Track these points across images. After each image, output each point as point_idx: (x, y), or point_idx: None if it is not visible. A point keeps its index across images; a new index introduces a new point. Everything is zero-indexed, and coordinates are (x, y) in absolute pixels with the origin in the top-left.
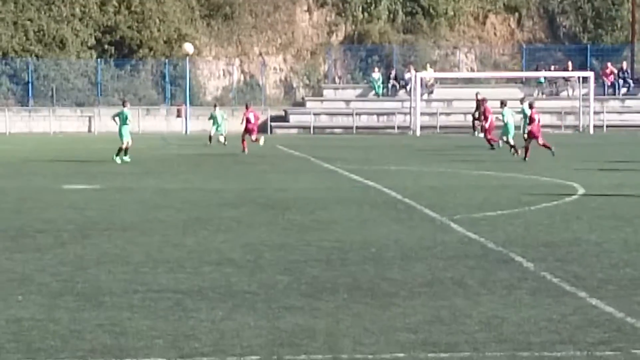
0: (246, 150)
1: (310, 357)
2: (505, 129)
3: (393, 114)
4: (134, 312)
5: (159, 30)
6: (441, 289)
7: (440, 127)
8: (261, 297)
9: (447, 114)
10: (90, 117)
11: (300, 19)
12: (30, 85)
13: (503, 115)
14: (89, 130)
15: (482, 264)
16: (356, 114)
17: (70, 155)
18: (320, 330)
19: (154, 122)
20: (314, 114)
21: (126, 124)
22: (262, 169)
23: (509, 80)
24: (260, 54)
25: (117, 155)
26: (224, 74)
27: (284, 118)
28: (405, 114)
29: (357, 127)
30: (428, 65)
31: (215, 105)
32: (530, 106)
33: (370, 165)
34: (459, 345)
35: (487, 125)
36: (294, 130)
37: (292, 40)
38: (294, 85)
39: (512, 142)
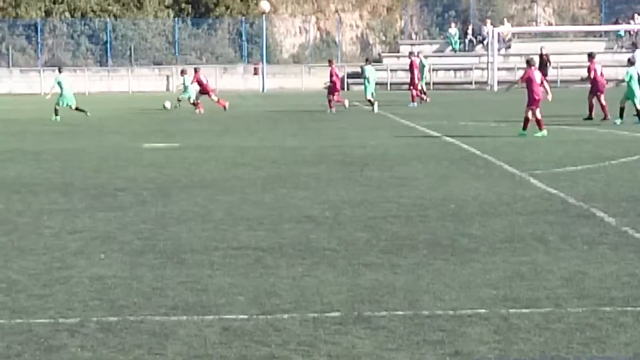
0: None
1: (390, 313)
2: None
3: (470, 69)
4: (215, 269)
5: None
6: (521, 245)
7: None
8: (341, 253)
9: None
10: (168, 76)
11: None
12: (108, 45)
13: (364, 71)
14: (167, 89)
15: (562, 219)
16: (433, 70)
17: (149, 114)
18: (401, 286)
19: (231, 80)
20: (391, 70)
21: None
22: (339, 126)
23: (588, 34)
24: (336, 10)
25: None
26: (300, 32)
27: (360, 75)
28: (482, 69)
29: (434, 83)
30: (505, 19)
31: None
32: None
33: (448, 121)
34: (540, 301)
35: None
36: None
37: None
38: (370, 41)
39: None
